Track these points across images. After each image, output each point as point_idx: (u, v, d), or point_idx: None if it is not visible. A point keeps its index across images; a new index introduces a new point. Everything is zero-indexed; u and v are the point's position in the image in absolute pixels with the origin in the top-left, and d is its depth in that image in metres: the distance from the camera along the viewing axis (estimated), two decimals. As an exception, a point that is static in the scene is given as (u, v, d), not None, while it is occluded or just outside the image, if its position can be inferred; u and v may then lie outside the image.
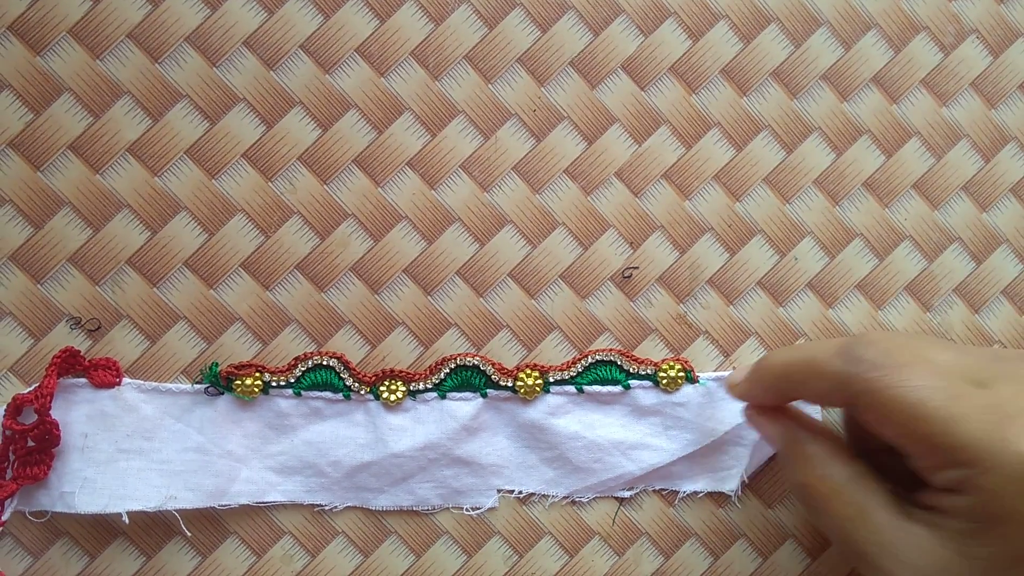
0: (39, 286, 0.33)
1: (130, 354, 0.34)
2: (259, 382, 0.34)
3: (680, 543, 0.35)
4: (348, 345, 0.34)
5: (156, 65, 0.33)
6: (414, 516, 0.35)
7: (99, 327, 0.34)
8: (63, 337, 0.33)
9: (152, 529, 0.34)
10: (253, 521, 0.34)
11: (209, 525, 0.34)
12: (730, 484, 0.35)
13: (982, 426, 0.26)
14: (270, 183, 0.34)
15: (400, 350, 0.35)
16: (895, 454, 0.28)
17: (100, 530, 0.34)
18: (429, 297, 0.35)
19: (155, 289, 0.34)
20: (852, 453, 0.31)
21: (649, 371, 0.35)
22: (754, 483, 0.36)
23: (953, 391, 0.27)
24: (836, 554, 0.36)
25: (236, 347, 0.34)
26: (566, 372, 0.34)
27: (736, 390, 0.33)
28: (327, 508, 0.34)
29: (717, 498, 0.35)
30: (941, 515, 0.27)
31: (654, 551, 0.35)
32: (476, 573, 0.35)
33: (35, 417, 0.32)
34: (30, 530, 0.33)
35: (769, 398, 0.32)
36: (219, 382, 0.34)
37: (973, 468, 0.26)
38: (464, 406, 0.34)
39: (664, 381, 0.34)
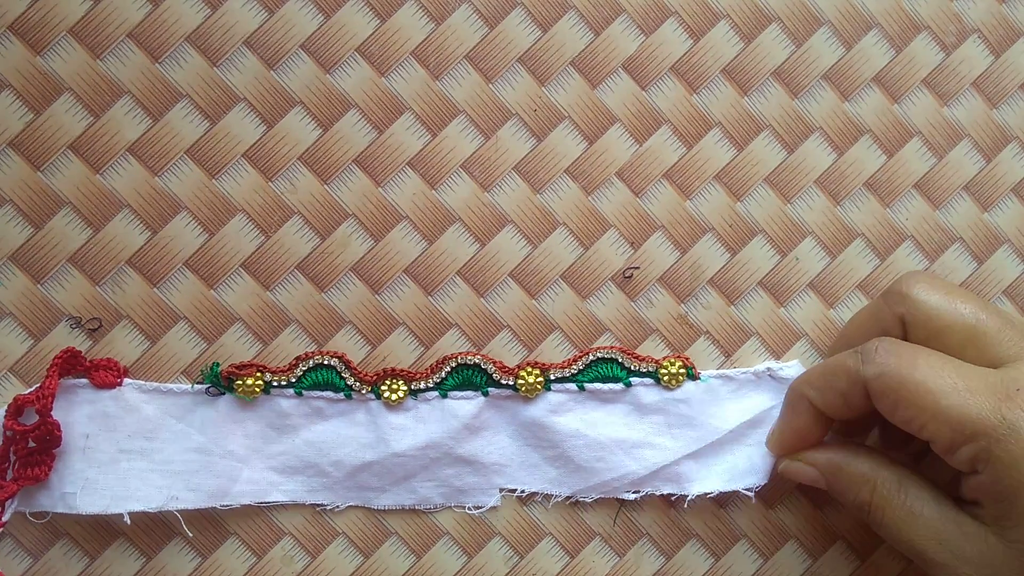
0: (39, 286, 0.33)
1: (130, 354, 0.34)
2: (260, 382, 0.33)
3: (681, 544, 0.35)
4: (349, 345, 0.34)
5: (156, 65, 0.33)
6: (415, 517, 0.35)
7: (100, 327, 0.34)
8: (63, 337, 0.33)
9: (152, 530, 0.34)
10: (253, 522, 0.34)
11: (209, 526, 0.34)
12: (739, 483, 0.34)
13: (994, 397, 0.26)
14: (270, 183, 0.34)
15: (401, 351, 0.35)
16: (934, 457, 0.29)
17: (100, 531, 0.33)
18: (430, 297, 0.35)
19: (155, 289, 0.34)
20: (892, 459, 0.31)
21: (650, 368, 0.35)
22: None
23: (962, 370, 0.27)
24: (836, 555, 0.36)
25: (236, 347, 0.34)
26: (567, 370, 0.34)
27: (772, 437, 0.33)
28: (329, 508, 0.34)
29: (718, 498, 0.35)
30: (978, 506, 0.28)
31: (655, 552, 0.35)
32: (477, 574, 0.35)
33: (36, 418, 0.31)
34: (30, 531, 0.33)
35: (802, 424, 0.32)
36: (220, 382, 0.33)
37: (987, 439, 0.26)
38: (466, 405, 0.34)
39: (665, 378, 0.34)
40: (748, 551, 0.36)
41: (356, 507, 0.34)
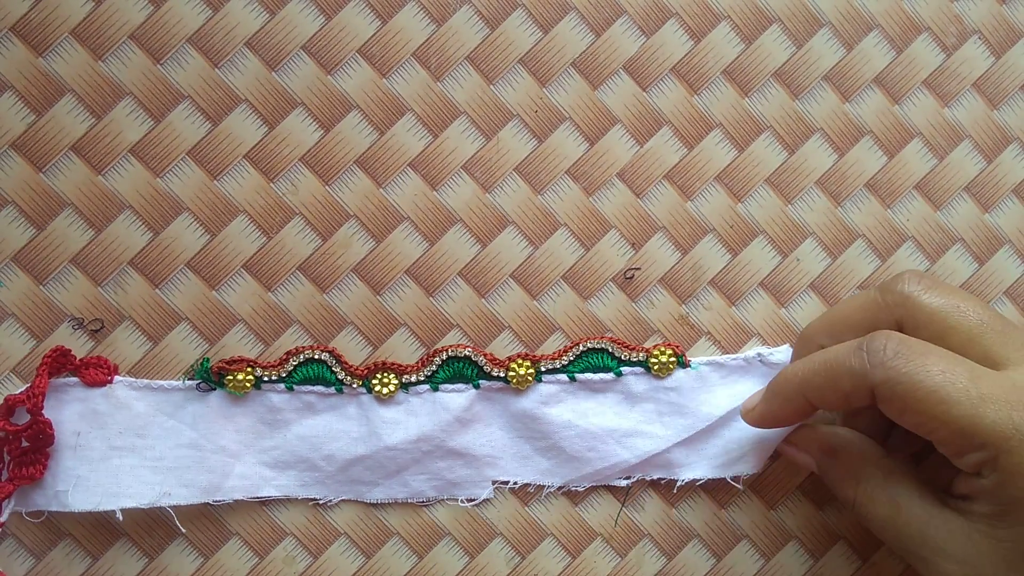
0: (41, 287, 0.33)
1: (132, 355, 0.34)
2: (251, 377, 0.33)
3: (682, 544, 0.35)
4: (350, 346, 0.34)
5: (158, 66, 0.33)
6: (416, 517, 0.35)
7: (102, 328, 0.34)
8: (65, 338, 0.33)
9: (155, 530, 0.34)
10: (255, 522, 0.34)
11: (211, 526, 0.34)
12: (729, 471, 0.35)
13: (1005, 407, 0.26)
14: (272, 184, 0.34)
15: (402, 351, 0.35)
16: (927, 448, 0.29)
17: (102, 531, 0.34)
18: (431, 298, 0.35)
19: (157, 290, 0.34)
20: (882, 451, 0.31)
21: (640, 357, 0.35)
22: (756, 484, 0.35)
23: (973, 374, 0.27)
24: (838, 556, 0.36)
25: (238, 348, 0.34)
26: (558, 361, 0.34)
27: (754, 414, 0.32)
28: (321, 502, 0.34)
29: (719, 499, 0.35)
30: (970, 501, 0.28)
31: (656, 552, 0.35)
32: (478, 574, 0.35)
33: (28, 417, 0.32)
34: (32, 531, 0.33)
35: (791, 413, 0.31)
36: (210, 377, 0.33)
37: (996, 449, 0.26)
38: (457, 398, 0.34)
39: (655, 367, 0.34)
40: (750, 551, 0.36)
41: (358, 507, 0.34)
